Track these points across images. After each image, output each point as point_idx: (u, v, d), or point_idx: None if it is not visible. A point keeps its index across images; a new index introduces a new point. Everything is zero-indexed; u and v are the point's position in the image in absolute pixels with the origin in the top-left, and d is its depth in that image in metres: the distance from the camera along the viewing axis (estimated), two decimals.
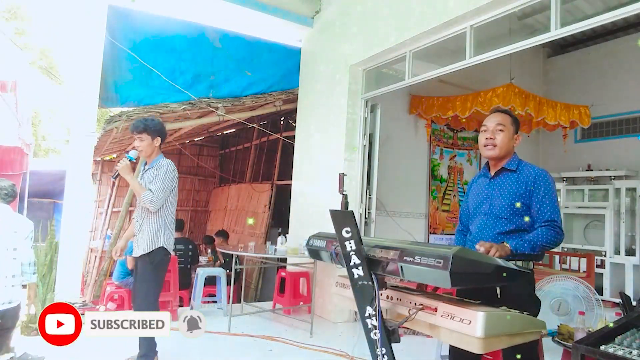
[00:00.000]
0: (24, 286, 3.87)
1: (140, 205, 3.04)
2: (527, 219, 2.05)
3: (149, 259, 2.98)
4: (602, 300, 3.34)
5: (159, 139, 3.07)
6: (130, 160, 2.97)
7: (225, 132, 10.73)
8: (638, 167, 6.57)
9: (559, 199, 7.00)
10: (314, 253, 2.02)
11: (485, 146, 2.16)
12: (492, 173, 2.19)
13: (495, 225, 2.09)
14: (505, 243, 1.94)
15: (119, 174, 2.96)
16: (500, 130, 2.12)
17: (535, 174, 2.06)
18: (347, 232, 1.59)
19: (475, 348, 1.39)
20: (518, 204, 2.04)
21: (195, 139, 10.57)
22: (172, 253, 3.19)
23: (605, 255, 6.38)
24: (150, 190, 2.91)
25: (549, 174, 2.09)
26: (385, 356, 1.60)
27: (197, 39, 6.04)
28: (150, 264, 2.98)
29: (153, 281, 3.03)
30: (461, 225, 2.41)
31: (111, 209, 10.04)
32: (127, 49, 5.40)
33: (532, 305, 1.95)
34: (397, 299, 1.73)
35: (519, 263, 1.95)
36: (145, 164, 3.17)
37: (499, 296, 1.99)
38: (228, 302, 4.62)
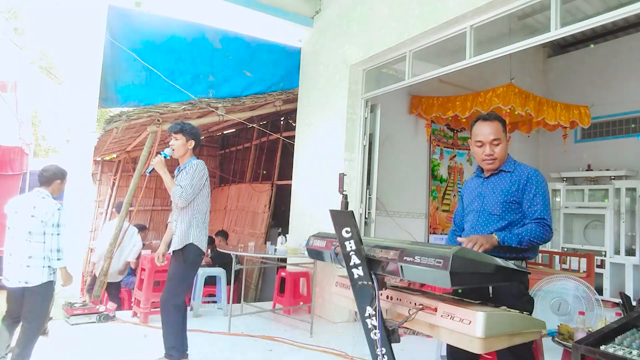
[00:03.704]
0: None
1: (174, 204, 3.18)
2: (519, 216, 2.08)
3: (182, 257, 3.09)
4: (602, 300, 3.34)
5: (192, 142, 3.25)
6: (164, 157, 3.13)
7: (225, 132, 10.74)
8: (638, 167, 6.57)
9: (558, 199, 7.05)
10: (314, 253, 2.02)
11: (484, 160, 2.18)
12: (487, 174, 2.23)
13: (487, 222, 2.12)
14: (493, 234, 1.99)
15: (153, 169, 3.12)
16: (496, 144, 2.13)
17: (528, 173, 2.11)
18: (347, 232, 1.59)
19: (476, 348, 1.39)
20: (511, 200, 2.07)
21: None
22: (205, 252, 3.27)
23: (605, 255, 6.38)
24: (180, 185, 3.06)
25: (541, 174, 2.14)
26: (385, 356, 1.60)
27: (197, 39, 6.04)
28: (183, 262, 3.09)
29: (182, 278, 3.14)
30: (454, 226, 2.46)
31: (111, 209, 10.04)
32: (127, 49, 5.40)
33: (525, 305, 1.96)
34: (397, 299, 1.73)
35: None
36: (179, 168, 3.29)
37: (491, 295, 2.00)
38: (228, 302, 4.62)
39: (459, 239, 1.96)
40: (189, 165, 3.19)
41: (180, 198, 3.04)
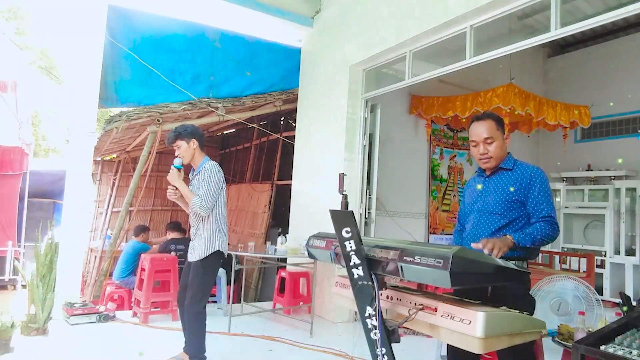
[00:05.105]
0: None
1: (192, 210, 3.07)
2: (520, 214, 2.07)
3: (201, 263, 3.02)
4: (602, 300, 3.34)
5: (194, 141, 3.10)
6: (177, 169, 3.00)
7: (225, 132, 10.73)
8: (638, 167, 6.57)
9: (558, 199, 7.05)
10: (314, 253, 2.02)
11: (480, 159, 2.20)
12: (488, 173, 2.23)
13: (489, 221, 2.12)
14: (507, 235, 1.97)
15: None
16: (489, 142, 2.14)
17: (531, 172, 2.10)
18: (347, 232, 1.59)
19: (475, 348, 1.39)
20: (513, 198, 2.06)
21: None
22: (226, 254, 3.19)
23: (605, 255, 6.38)
24: (198, 195, 2.95)
25: (543, 171, 2.13)
26: (385, 356, 1.60)
27: (197, 39, 6.04)
28: (202, 268, 3.02)
29: (203, 284, 3.06)
30: (459, 225, 2.46)
31: (111, 209, 10.03)
32: (127, 49, 5.40)
33: (526, 306, 1.96)
34: (397, 299, 1.73)
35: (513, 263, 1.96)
36: (193, 171, 3.20)
37: (488, 295, 2.00)
38: (228, 302, 4.62)
39: (472, 244, 1.94)
40: (202, 169, 3.05)
41: (201, 209, 2.93)
